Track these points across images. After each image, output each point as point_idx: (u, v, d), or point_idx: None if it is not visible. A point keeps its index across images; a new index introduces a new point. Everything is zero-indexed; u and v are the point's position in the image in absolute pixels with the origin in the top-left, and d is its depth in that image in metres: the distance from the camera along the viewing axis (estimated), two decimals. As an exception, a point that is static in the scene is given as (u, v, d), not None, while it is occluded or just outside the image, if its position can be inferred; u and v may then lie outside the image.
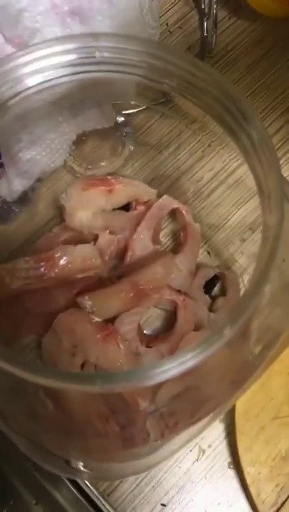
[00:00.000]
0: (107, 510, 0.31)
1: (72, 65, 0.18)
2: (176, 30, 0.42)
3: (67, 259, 0.28)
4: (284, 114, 0.40)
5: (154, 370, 0.13)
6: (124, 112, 0.37)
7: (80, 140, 0.34)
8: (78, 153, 0.36)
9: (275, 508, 0.30)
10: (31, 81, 0.18)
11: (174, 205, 0.33)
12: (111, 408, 0.28)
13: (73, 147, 0.31)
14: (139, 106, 0.38)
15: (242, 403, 0.31)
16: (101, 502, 0.31)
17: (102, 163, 0.36)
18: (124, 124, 0.37)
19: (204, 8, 0.41)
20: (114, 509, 0.31)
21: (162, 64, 0.17)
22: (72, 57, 0.17)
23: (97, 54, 0.17)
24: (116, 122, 0.36)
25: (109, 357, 0.29)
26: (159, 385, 0.27)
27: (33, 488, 0.33)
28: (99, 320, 0.30)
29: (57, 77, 0.18)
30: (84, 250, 0.28)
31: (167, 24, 0.42)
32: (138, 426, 0.27)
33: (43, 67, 0.17)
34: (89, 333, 0.30)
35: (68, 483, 0.32)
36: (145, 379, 0.14)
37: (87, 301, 0.29)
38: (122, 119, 0.37)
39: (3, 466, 0.33)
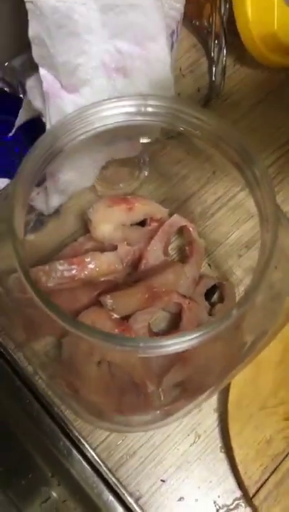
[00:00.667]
0: (114, 483, 0.36)
1: (125, 114, 0.23)
2: (188, 74, 0.48)
3: (95, 264, 0.33)
4: (277, 150, 0.47)
5: (184, 337, 0.19)
6: (141, 142, 0.43)
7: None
8: (101, 175, 0.41)
9: (259, 484, 0.35)
10: (91, 127, 0.23)
11: (182, 222, 0.39)
12: (122, 390, 0.34)
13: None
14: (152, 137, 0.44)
15: (234, 395, 0.36)
16: (109, 476, 0.36)
17: (121, 185, 0.42)
18: (141, 152, 0.43)
19: (213, 56, 0.48)
20: (120, 483, 0.36)
21: (190, 118, 0.23)
22: (126, 109, 0.23)
23: (143, 109, 0.23)
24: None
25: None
26: (166, 371, 0.32)
27: (50, 463, 0.38)
28: (117, 317, 0.35)
29: (112, 123, 0.24)
30: (109, 257, 0.33)
31: (180, 68, 0.48)
32: (144, 406, 0.32)
33: (105, 116, 0.23)
34: (108, 327, 0.35)
35: (81, 459, 0.37)
36: (179, 344, 0.19)
37: (108, 300, 0.34)
38: (140, 148, 0.43)
39: (24, 443, 0.38)
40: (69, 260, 0.33)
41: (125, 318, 0.36)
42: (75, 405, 0.31)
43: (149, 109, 0.23)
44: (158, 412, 0.30)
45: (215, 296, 0.40)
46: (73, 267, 0.33)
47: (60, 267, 0.33)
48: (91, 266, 0.33)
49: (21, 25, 0.41)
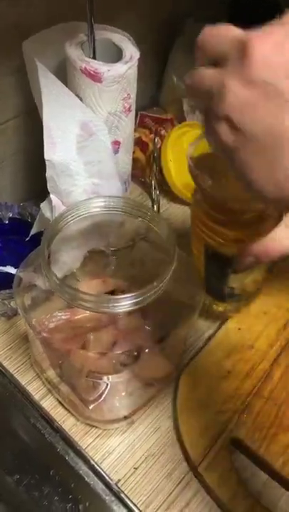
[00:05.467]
0: (99, 472, 0.49)
1: (98, 207, 0.46)
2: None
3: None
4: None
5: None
6: (111, 249, 0.66)
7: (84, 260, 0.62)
8: (82, 268, 0.63)
9: (201, 458, 0.49)
10: (78, 214, 0.45)
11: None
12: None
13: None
14: (119, 246, 0.67)
15: (181, 398, 0.52)
16: (96, 467, 0.50)
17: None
18: (111, 254, 0.66)
19: (154, 199, 0.74)
20: (104, 471, 0.49)
21: (132, 207, 0.46)
22: (98, 204, 0.46)
23: (110, 204, 0.45)
24: (106, 253, 0.65)
25: (102, 366, 0.51)
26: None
27: (52, 460, 0.50)
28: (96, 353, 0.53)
29: (90, 211, 0.46)
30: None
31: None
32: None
33: (86, 207, 0.45)
34: (90, 359, 0.52)
35: (76, 456, 0.50)
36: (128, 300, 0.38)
37: (91, 336, 0.52)
38: (109, 251, 0.66)
39: (31, 448, 0.51)
40: (65, 310, 0.52)
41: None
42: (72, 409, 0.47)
43: (112, 204, 0.46)
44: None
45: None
46: (67, 312, 0.52)
47: (59, 313, 0.52)
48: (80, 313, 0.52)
49: (30, 180, 0.67)
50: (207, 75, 0.29)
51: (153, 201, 0.73)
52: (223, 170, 0.37)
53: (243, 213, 0.44)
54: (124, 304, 0.40)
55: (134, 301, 0.40)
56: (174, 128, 0.73)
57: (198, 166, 0.45)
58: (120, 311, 0.41)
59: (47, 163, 0.49)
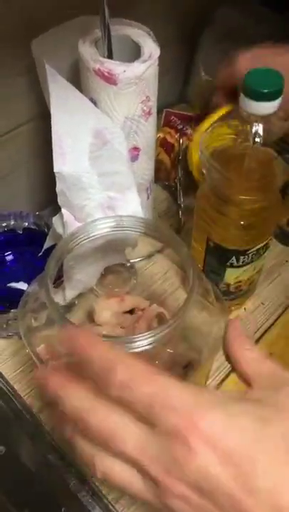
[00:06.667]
0: (114, 514, 0.45)
1: (109, 227, 0.41)
2: (163, 216, 0.68)
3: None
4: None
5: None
6: (131, 261, 0.61)
7: (101, 275, 0.57)
8: (101, 282, 0.58)
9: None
10: (89, 235, 0.41)
11: (159, 310, 0.54)
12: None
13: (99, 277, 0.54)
14: (139, 257, 0.62)
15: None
16: (110, 507, 0.46)
17: (116, 290, 0.59)
18: (131, 267, 0.61)
19: (180, 203, 0.68)
20: (119, 513, 0.45)
21: (146, 227, 0.40)
22: (110, 224, 0.41)
23: (120, 223, 0.40)
24: (126, 265, 0.60)
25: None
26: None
27: (63, 498, 0.47)
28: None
29: (101, 233, 0.41)
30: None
31: (158, 213, 0.68)
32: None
33: (97, 228, 0.40)
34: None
35: (88, 493, 0.46)
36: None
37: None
38: (129, 264, 0.61)
39: (44, 484, 0.48)
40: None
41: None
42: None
43: (124, 223, 0.41)
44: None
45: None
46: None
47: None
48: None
49: (46, 191, 0.63)
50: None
51: (179, 207, 0.68)
52: (234, 167, 0.45)
53: (244, 205, 0.47)
54: (133, 345, 0.35)
55: (144, 341, 0.35)
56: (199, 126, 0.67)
57: (212, 159, 0.46)
58: (129, 351, 0.36)
59: (56, 175, 0.44)
